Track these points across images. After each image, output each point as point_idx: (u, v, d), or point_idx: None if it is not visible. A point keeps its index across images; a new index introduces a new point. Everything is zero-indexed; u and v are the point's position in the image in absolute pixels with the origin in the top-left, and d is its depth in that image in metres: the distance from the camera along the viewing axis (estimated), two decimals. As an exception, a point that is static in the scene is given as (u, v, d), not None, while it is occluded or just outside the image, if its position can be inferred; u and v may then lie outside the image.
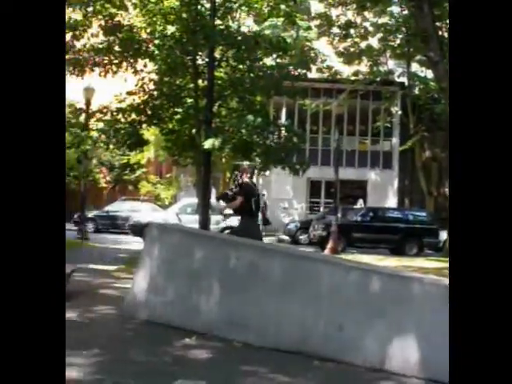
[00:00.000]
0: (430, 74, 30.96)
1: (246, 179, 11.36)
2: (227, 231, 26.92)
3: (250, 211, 11.14)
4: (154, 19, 17.32)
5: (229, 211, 11.82)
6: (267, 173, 37.17)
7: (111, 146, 21.37)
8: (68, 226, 32.72)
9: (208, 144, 16.25)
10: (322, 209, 40.87)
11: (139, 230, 27.04)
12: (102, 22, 17.25)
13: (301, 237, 32.57)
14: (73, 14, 18.26)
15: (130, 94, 18.35)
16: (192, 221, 21.94)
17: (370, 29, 32.16)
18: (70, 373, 6.05)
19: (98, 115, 18.83)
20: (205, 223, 17.11)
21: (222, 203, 12.37)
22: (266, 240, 28.38)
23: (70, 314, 8.86)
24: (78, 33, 17.29)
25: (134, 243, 25.18)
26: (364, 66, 35.13)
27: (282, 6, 19.56)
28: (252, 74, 18.50)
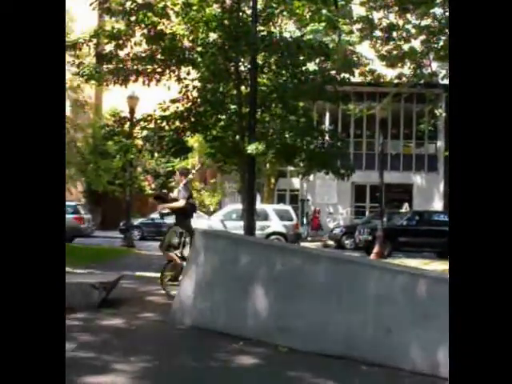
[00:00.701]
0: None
1: (185, 181, 11.97)
2: (274, 237, 26.97)
3: (186, 212, 11.75)
4: (196, 27, 17.40)
5: (165, 211, 12.31)
6: (311, 178, 37.26)
7: (156, 154, 21.52)
8: (114, 233, 33.08)
9: (251, 148, 16.25)
10: (367, 213, 40.64)
11: (185, 236, 27.14)
12: (145, 31, 17.36)
13: (346, 241, 32.42)
14: (116, 24, 18.45)
15: (173, 101, 18.44)
16: (237, 227, 21.98)
17: (413, 31, 31.89)
18: (118, 379, 6.10)
19: (142, 123, 18.96)
20: (250, 229, 17.10)
21: (157, 203, 13.01)
22: (310, 245, 28.28)
23: (117, 321, 8.93)
24: (121, 42, 17.42)
25: (180, 250, 25.27)
26: (407, 69, 34.83)
27: (324, 11, 19.52)
28: (295, 80, 18.47)
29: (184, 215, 11.76)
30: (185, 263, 11.42)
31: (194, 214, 12.35)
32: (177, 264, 11.64)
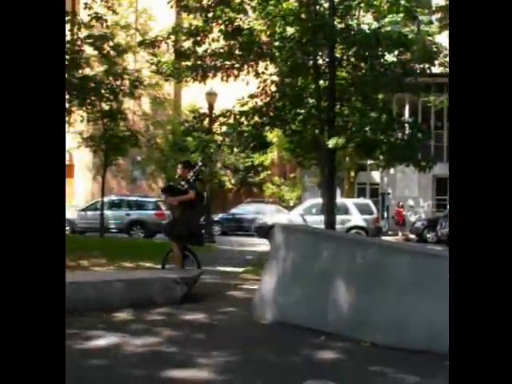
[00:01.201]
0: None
1: (191, 174, 12.09)
2: (354, 231, 26.80)
3: (191, 204, 11.87)
4: (274, 21, 17.37)
5: (175, 203, 12.34)
6: (391, 171, 36.81)
7: (235, 149, 21.61)
8: (195, 229, 33.37)
9: (332, 143, 16.14)
10: (448, 206, 39.95)
11: (265, 231, 27.26)
12: (223, 27, 17.43)
13: (428, 235, 31.98)
14: (193, 21, 18.57)
15: (252, 96, 18.46)
16: (317, 221, 21.90)
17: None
18: (200, 373, 6.14)
19: (221, 119, 19.06)
20: (330, 223, 16.99)
21: (163, 196, 13.07)
22: (391, 239, 27.95)
23: (199, 316, 9.01)
24: (199, 39, 17.53)
25: (260, 245, 25.37)
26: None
27: (402, 1, 19.19)
28: (374, 72, 18.25)
29: (190, 207, 11.95)
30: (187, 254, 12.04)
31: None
32: (176, 256, 11.84)
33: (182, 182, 12.02)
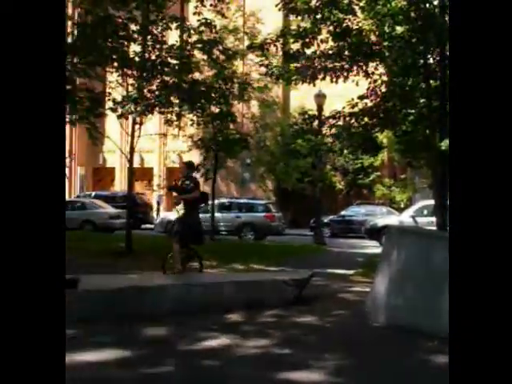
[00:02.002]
0: None
1: (194, 174, 12.50)
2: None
3: (195, 204, 12.20)
4: (383, 21, 17.16)
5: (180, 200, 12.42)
6: None
7: (345, 151, 21.47)
8: (304, 231, 33.39)
9: (445, 144, 15.79)
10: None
11: (375, 233, 26.96)
12: (331, 28, 17.34)
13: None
14: (301, 23, 18.57)
15: (361, 97, 18.28)
16: (429, 223, 21.49)
17: None
18: (313, 375, 6.11)
19: (331, 121, 18.97)
20: (442, 225, 16.64)
21: (174, 194, 13.32)
22: None
23: (310, 318, 8.98)
24: (307, 40, 17.50)
25: (371, 247, 25.14)
26: None
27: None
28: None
29: (194, 208, 12.18)
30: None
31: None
32: (175, 257, 11.91)
33: (187, 182, 12.25)
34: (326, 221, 33.41)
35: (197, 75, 21.46)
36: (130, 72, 18.61)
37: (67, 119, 19.72)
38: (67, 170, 43.32)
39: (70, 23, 22.92)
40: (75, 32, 20.40)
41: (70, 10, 22.14)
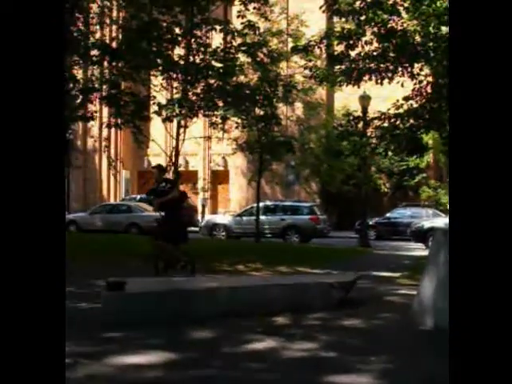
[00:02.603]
0: None
1: (166, 176, 12.85)
2: None
3: (175, 204, 12.38)
4: (428, 21, 17.02)
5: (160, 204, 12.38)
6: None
7: (389, 153, 21.31)
8: (350, 233, 33.24)
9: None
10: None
11: (421, 235, 26.72)
12: (375, 29, 17.26)
13: None
14: (345, 25, 18.51)
15: (406, 99, 18.16)
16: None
17: None
18: (359, 379, 6.07)
19: (376, 122, 18.87)
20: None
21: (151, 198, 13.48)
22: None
23: (356, 321, 8.92)
24: (351, 42, 17.45)
25: (417, 249, 24.92)
26: None
27: None
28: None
29: (173, 207, 12.33)
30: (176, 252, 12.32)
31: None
32: (175, 255, 12.33)
33: (163, 184, 12.51)
34: (371, 223, 33.19)
35: (241, 78, 21.51)
36: (174, 75, 18.73)
37: (113, 122, 19.94)
38: (113, 174, 43.69)
39: (114, 28, 23.19)
40: (120, 36, 20.63)
41: (114, 14, 22.37)
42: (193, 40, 18.40)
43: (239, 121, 23.38)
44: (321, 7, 17.69)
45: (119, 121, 19.56)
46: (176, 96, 18.66)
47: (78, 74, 21.00)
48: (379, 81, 17.84)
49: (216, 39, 20.33)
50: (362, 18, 17.26)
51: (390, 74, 17.71)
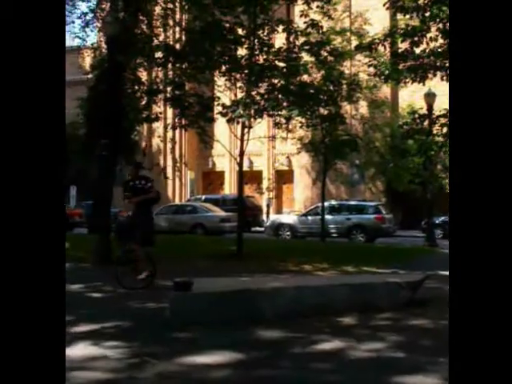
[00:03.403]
0: None
1: (141, 173, 12.23)
2: None
3: (148, 203, 12.10)
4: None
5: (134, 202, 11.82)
6: None
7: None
8: (415, 233, 32.86)
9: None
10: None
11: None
12: (440, 26, 17.01)
13: None
14: (410, 21, 18.29)
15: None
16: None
17: None
18: (427, 380, 6.00)
19: (442, 120, 18.62)
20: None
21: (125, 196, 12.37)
22: None
23: (424, 321, 8.84)
24: (416, 39, 17.23)
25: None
26: None
27: None
28: None
29: (145, 205, 12.01)
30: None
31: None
32: (140, 259, 11.79)
33: (143, 182, 12.04)
34: (437, 222, 32.74)
35: (305, 77, 21.44)
36: (238, 76, 18.78)
37: (178, 124, 20.11)
38: (178, 175, 44.10)
39: (178, 29, 23.38)
40: (183, 38, 20.78)
41: (177, 16, 22.55)
42: (256, 40, 18.41)
43: (303, 120, 23.32)
44: (384, 4, 17.53)
45: (184, 122, 19.70)
46: (240, 96, 18.70)
47: (143, 75, 21.22)
48: (444, 77, 17.59)
49: (279, 39, 20.31)
50: (427, 14, 17.03)
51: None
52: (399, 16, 19.73)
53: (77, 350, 7.16)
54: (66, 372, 4.41)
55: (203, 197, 39.77)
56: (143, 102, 19.82)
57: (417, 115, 20.90)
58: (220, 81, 19.74)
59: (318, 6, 19.66)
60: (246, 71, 18.44)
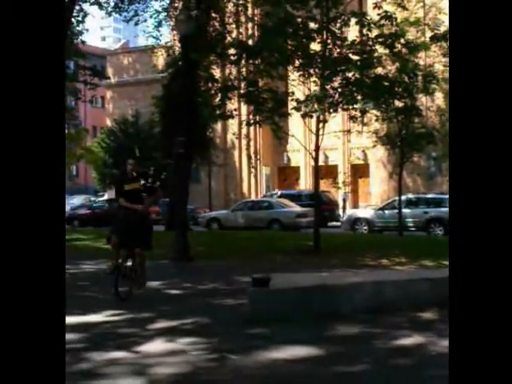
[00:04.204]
0: None
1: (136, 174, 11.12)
2: None
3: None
4: None
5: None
6: None
7: None
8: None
9: None
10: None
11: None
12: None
13: None
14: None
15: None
16: None
17: None
18: None
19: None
20: None
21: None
22: None
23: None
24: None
25: None
26: None
27: None
28: None
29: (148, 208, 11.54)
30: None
31: None
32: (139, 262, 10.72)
33: (141, 181, 11.05)
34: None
35: (379, 70, 21.20)
36: (311, 70, 18.69)
37: (253, 120, 20.15)
38: (253, 172, 44.19)
39: (250, 25, 23.43)
40: (256, 34, 20.80)
41: (249, 12, 22.57)
42: (329, 34, 18.28)
43: (379, 113, 23.09)
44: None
45: (258, 118, 19.71)
46: (314, 90, 18.61)
47: (216, 73, 21.33)
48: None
49: (352, 31, 20.13)
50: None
51: None
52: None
53: (156, 346, 7.26)
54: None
55: (279, 192, 39.78)
56: (217, 99, 19.90)
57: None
58: (293, 75, 19.68)
59: (391, -2, 19.42)
60: (320, 65, 18.34)
